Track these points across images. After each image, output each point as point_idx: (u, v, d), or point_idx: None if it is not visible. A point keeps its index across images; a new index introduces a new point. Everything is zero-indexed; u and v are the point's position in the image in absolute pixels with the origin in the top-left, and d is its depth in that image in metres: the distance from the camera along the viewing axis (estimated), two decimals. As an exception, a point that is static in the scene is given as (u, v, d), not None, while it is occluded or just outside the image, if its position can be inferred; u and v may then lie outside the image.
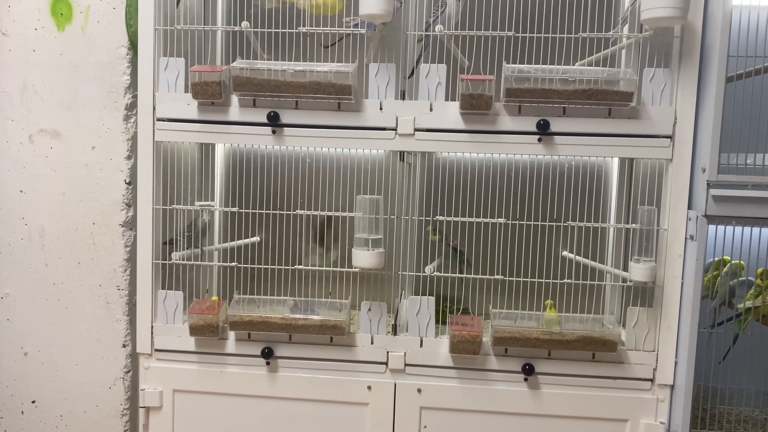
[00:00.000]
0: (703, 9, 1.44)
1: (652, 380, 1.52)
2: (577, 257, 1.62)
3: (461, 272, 1.61)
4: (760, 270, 1.56)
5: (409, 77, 1.58)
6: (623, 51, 1.68)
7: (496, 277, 1.56)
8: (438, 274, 1.58)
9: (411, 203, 1.64)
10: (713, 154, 1.41)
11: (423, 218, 1.62)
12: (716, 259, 1.69)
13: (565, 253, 1.68)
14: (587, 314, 1.57)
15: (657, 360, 1.51)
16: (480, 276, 1.57)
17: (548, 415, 1.53)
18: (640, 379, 1.52)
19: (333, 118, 1.51)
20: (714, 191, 1.42)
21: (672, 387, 1.51)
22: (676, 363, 1.51)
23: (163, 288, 1.61)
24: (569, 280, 1.56)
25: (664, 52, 1.48)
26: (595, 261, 1.63)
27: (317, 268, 1.61)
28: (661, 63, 1.47)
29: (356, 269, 1.53)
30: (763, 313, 1.53)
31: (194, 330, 1.57)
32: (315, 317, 1.54)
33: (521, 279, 1.58)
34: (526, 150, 1.49)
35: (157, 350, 1.62)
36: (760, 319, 1.55)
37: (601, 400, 1.52)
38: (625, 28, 1.62)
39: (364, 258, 1.50)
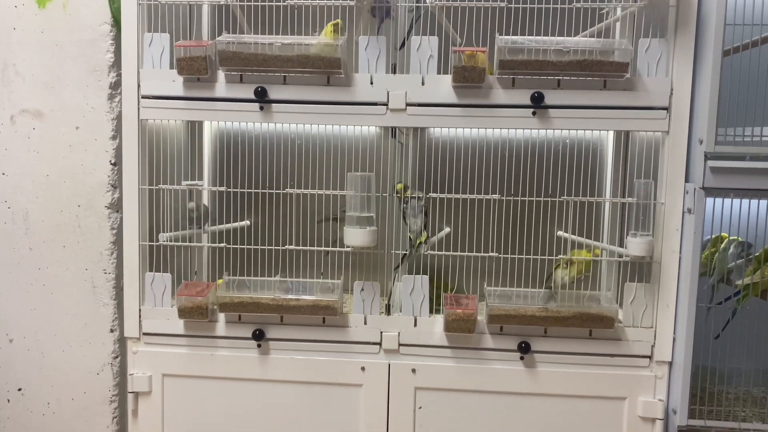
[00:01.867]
0: (700, -23, 1.41)
1: (650, 357, 1.49)
2: (572, 236, 1.60)
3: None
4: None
5: (399, 49, 1.55)
6: (617, 24, 1.65)
7: (490, 254, 1.53)
8: (433, 252, 1.55)
9: (404, 180, 1.61)
10: (710, 126, 1.38)
11: (416, 196, 1.59)
12: (714, 236, 1.66)
13: (560, 233, 1.66)
14: (584, 291, 1.55)
15: (655, 337, 1.49)
16: (474, 254, 1.54)
17: (545, 393, 1.51)
18: (637, 356, 1.49)
19: (322, 93, 1.48)
20: (712, 163, 1.40)
21: (670, 364, 1.49)
22: (674, 340, 1.48)
23: (150, 270, 1.58)
24: (563, 257, 1.53)
25: (660, 22, 1.45)
26: (591, 237, 1.60)
27: (309, 248, 1.58)
28: (656, 33, 1.44)
29: (348, 248, 1.49)
30: (763, 288, 1.50)
31: (183, 312, 1.53)
32: (307, 297, 1.51)
33: (516, 256, 1.55)
34: (520, 124, 1.46)
35: (145, 334, 1.58)
36: (759, 294, 1.52)
37: (599, 377, 1.50)
38: None
39: (356, 236, 1.46)
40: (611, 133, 1.72)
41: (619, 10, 1.53)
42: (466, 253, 1.54)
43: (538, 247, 1.61)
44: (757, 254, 1.51)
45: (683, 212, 1.45)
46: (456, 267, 1.59)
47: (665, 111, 1.43)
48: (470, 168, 1.60)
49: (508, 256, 1.54)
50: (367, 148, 1.59)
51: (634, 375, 1.49)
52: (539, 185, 1.65)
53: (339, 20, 1.48)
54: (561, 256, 1.54)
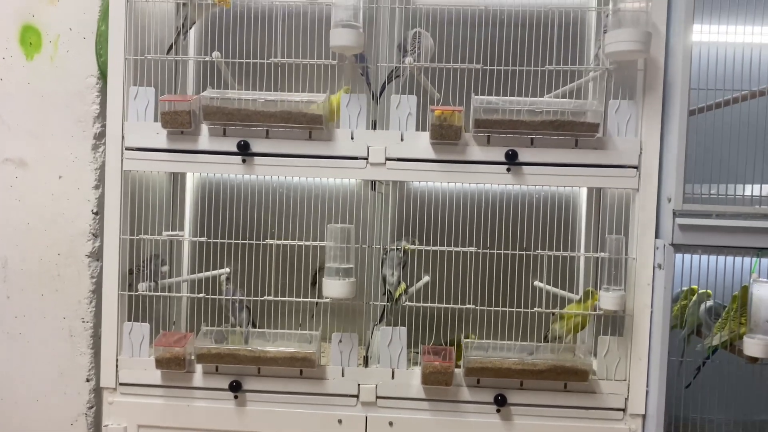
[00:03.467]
0: (665, 44, 1.48)
1: (624, 410, 1.51)
2: (548, 287, 1.63)
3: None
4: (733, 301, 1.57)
5: (376, 101, 1.59)
6: (590, 83, 1.72)
7: (467, 306, 1.55)
8: (410, 303, 1.57)
9: (383, 232, 1.64)
10: (678, 184, 1.44)
11: (395, 248, 1.62)
12: (685, 288, 1.71)
13: (536, 282, 1.69)
14: (559, 343, 1.57)
15: (628, 389, 1.51)
16: (452, 305, 1.56)
17: (521, 447, 1.52)
18: (612, 409, 1.51)
19: (304, 147, 1.51)
20: (680, 220, 1.44)
21: (644, 417, 1.51)
22: (647, 392, 1.50)
23: (129, 320, 1.58)
24: (540, 309, 1.56)
25: (629, 85, 1.51)
26: (566, 289, 1.64)
27: (288, 298, 1.59)
28: (626, 95, 1.50)
29: (327, 299, 1.51)
30: (731, 342, 1.54)
31: (160, 363, 1.53)
32: (285, 349, 1.52)
33: (493, 308, 1.58)
34: (495, 180, 1.50)
35: (121, 384, 1.57)
36: (728, 348, 1.56)
37: (574, 430, 1.51)
38: (592, 61, 1.66)
39: (334, 288, 1.48)
40: (584, 189, 1.77)
41: (591, 72, 1.60)
42: (443, 305, 1.56)
43: (515, 298, 1.64)
44: (726, 310, 1.55)
45: (654, 267, 1.49)
46: (434, 318, 1.61)
47: (635, 169, 1.48)
48: (448, 220, 1.64)
49: (485, 308, 1.57)
50: (347, 199, 1.62)
51: (608, 428, 1.51)
52: (516, 238, 1.68)
53: (349, 87, 1.53)
54: (557, 310, 1.57)
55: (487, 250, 1.56)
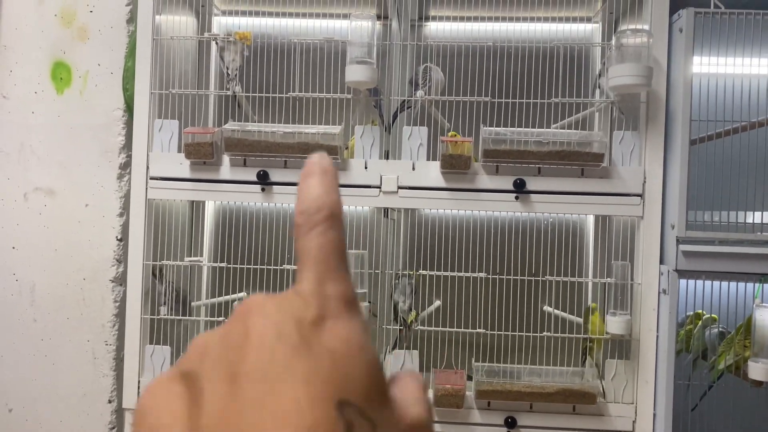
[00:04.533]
0: (666, 76, 1.54)
1: (632, 433, 1.55)
2: (557, 311, 1.67)
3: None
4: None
5: (388, 132, 1.66)
6: (596, 114, 1.78)
7: (478, 330, 1.60)
8: (422, 328, 1.62)
9: (395, 258, 1.69)
10: (681, 212, 1.49)
11: (407, 273, 1.67)
12: (690, 313, 1.74)
13: (546, 307, 1.73)
14: (568, 367, 1.61)
15: (636, 412, 1.54)
16: (463, 329, 1.61)
17: (532, 469, 1.55)
18: (620, 432, 1.55)
19: (320, 177, 1.58)
20: (683, 247, 1.49)
21: (652, 439, 1.54)
22: (654, 415, 1.54)
23: (150, 343, 1.63)
24: (549, 333, 1.60)
25: (632, 116, 1.57)
26: (574, 314, 1.68)
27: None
28: (629, 126, 1.56)
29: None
30: (736, 366, 1.57)
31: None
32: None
33: (503, 333, 1.62)
34: (503, 207, 1.56)
35: (142, 406, 1.62)
36: (733, 372, 1.59)
37: (583, 453, 1.54)
38: (597, 93, 1.72)
39: (349, 312, 1.53)
40: (591, 216, 1.82)
41: (595, 104, 1.66)
42: (455, 329, 1.61)
43: (524, 323, 1.68)
44: (730, 336, 1.59)
45: (659, 293, 1.54)
46: (446, 342, 1.66)
47: (639, 197, 1.54)
48: (458, 246, 1.70)
49: (495, 332, 1.61)
50: (361, 226, 1.69)
51: (617, 451, 1.54)
52: (525, 264, 1.74)
53: (375, 120, 1.61)
54: (566, 334, 1.61)
55: (497, 276, 1.61)
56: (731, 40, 1.65)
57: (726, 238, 1.50)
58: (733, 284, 1.54)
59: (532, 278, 1.63)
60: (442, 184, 1.57)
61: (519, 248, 1.73)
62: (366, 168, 1.58)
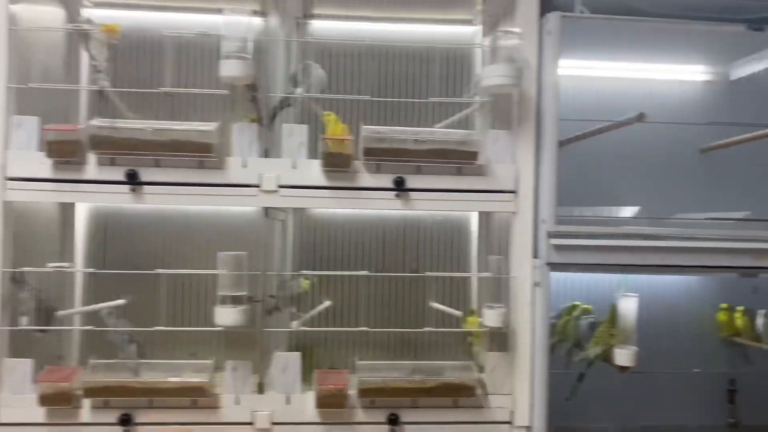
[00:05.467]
0: (537, 78, 1.60)
1: (510, 423, 1.59)
2: (440, 306, 1.70)
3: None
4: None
5: (269, 130, 1.63)
6: (476, 114, 1.83)
7: (360, 329, 1.59)
8: (304, 329, 1.59)
9: (282, 259, 1.66)
10: (551, 207, 1.55)
11: (288, 273, 1.65)
12: (569, 305, 1.83)
13: (432, 304, 1.75)
14: (450, 362, 1.63)
15: (514, 403, 1.59)
16: (345, 329, 1.60)
17: (415, 464, 1.56)
18: (499, 423, 1.58)
19: (195, 175, 1.52)
20: (553, 241, 1.55)
21: (530, 429, 1.59)
22: (532, 405, 1.59)
23: (10, 356, 1.51)
24: (430, 329, 1.62)
25: (506, 115, 1.62)
26: (461, 309, 1.71)
27: (179, 329, 1.58)
28: (503, 126, 1.61)
29: (220, 328, 1.51)
30: (606, 354, 1.65)
31: (45, 399, 1.47)
32: (176, 380, 1.50)
33: (386, 330, 1.62)
34: (384, 205, 1.56)
35: (2, 424, 1.49)
36: (604, 359, 1.67)
37: (465, 445, 1.57)
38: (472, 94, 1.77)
39: (227, 316, 1.49)
40: (475, 213, 1.87)
41: (471, 104, 1.70)
42: (337, 329, 1.60)
43: (408, 320, 1.70)
44: (600, 324, 1.67)
45: (533, 286, 1.59)
46: (331, 342, 1.64)
47: (513, 194, 1.59)
48: (346, 246, 1.69)
49: (378, 330, 1.61)
50: (245, 227, 1.64)
51: (497, 441, 1.58)
52: (412, 261, 1.75)
53: (255, 116, 1.55)
54: (448, 329, 1.63)
55: (378, 274, 1.62)
56: (596, 44, 1.74)
57: (593, 232, 1.57)
58: (606, 276, 1.62)
59: (412, 275, 1.64)
60: (324, 182, 1.55)
61: (405, 246, 1.74)
62: (244, 166, 1.54)
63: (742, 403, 1.95)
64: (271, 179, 1.54)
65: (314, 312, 1.64)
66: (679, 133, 1.84)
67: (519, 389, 1.59)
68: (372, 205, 1.56)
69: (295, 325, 1.57)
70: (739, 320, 1.87)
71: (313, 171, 1.55)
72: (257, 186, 1.54)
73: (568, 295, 1.85)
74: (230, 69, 1.47)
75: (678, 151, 1.89)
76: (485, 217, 1.82)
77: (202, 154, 1.50)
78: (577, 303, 1.82)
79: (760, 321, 1.80)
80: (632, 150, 1.82)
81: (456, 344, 1.75)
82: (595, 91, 1.71)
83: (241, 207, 1.59)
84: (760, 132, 1.70)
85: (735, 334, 1.91)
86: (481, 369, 1.62)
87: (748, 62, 1.90)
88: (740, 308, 1.87)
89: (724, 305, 1.91)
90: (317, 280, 1.67)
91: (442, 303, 1.70)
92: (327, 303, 1.69)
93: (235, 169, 1.53)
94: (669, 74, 1.95)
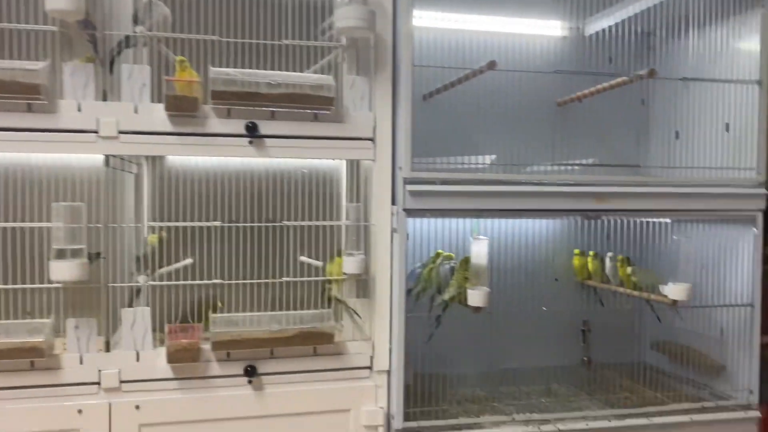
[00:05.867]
0: (393, 25, 1.58)
1: (370, 368, 1.60)
2: (307, 259, 1.67)
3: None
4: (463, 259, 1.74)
5: (110, 71, 1.51)
6: (340, 63, 1.79)
7: (215, 281, 1.54)
8: (153, 283, 1.52)
9: (138, 213, 1.57)
10: (407, 154, 1.55)
11: (134, 225, 1.56)
12: (434, 253, 1.86)
13: (301, 257, 1.72)
14: (309, 310, 1.62)
15: (373, 348, 1.60)
16: (198, 282, 1.54)
17: (274, 414, 1.54)
18: (359, 368, 1.60)
19: (23, 120, 1.39)
20: (410, 187, 1.56)
21: (389, 372, 1.61)
22: (390, 350, 1.61)
23: None
24: (288, 279, 1.59)
25: (364, 62, 1.60)
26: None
27: (10, 286, 1.45)
28: (360, 72, 1.59)
29: (58, 284, 1.41)
30: (458, 300, 1.69)
31: None
32: (8, 341, 1.38)
33: (244, 281, 1.58)
34: (237, 152, 1.50)
35: None
36: (461, 301, 1.71)
37: (325, 393, 1.57)
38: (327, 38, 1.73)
39: (63, 270, 1.39)
40: (344, 162, 1.84)
41: (330, 48, 1.66)
42: (190, 282, 1.54)
43: (276, 272, 1.65)
44: (456, 267, 1.71)
45: (392, 232, 1.60)
46: (187, 296, 1.58)
47: (371, 141, 1.58)
48: (205, 196, 1.62)
49: (240, 281, 1.57)
50: (84, 176, 1.53)
51: (357, 386, 1.59)
52: (279, 212, 1.70)
53: (92, 56, 1.42)
54: (307, 278, 1.61)
55: (233, 224, 1.56)
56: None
57: (447, 179, 1.60)
58: (465, 222, 1.65)
59: (271, 225, 1.61)
60: (169, 128, 1.47)
61: (275, 198, 1.69)
62: (79, 110, 1.42)
63: (594, 343, 2.09)
64: (109, 124, 1.43)
65: (171, 268, 1.58)
66: (538, 88, 1.90)
67: (378, 335, 1.60)
68: (224, 152, 1.50)
69: (141, 280, 1.50)
70: (591, 264, 1.98)
71: (157, 116, 1.46)
72: (95, 132, 1.43)
73: (435, 246, 1.87)
74: (56, 1, 1.34)
75: (536, 105, 1.95)
76: (351, 167, 1.80)
77: (30, 95, 1.37)
78: (441, 251, 1.85)
79: (608, 264, 1.92)
80: (493, 103, 1.85)
81: (320, 295, 1.73)
82: (456, 43, 1.72)
83: (79, 155, 1.47)
84: (611, 82, 1.78)
85: (588, 278, 2.03)
86: (339, 316, 1.62)
87: (600, 18, 1.98)
88: (591, 253, 1.98)
89: (577, 251, 2.02)
90: (165, 236, 1.59)
91: (314, 256, 1.67)
92: (188, 260, 1.62)
93: (68, 113, 1.41)
94: (528, 29, 2.00)
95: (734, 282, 1.82)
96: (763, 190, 1.75)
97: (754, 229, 1.76)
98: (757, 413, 1.77)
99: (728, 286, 1.83)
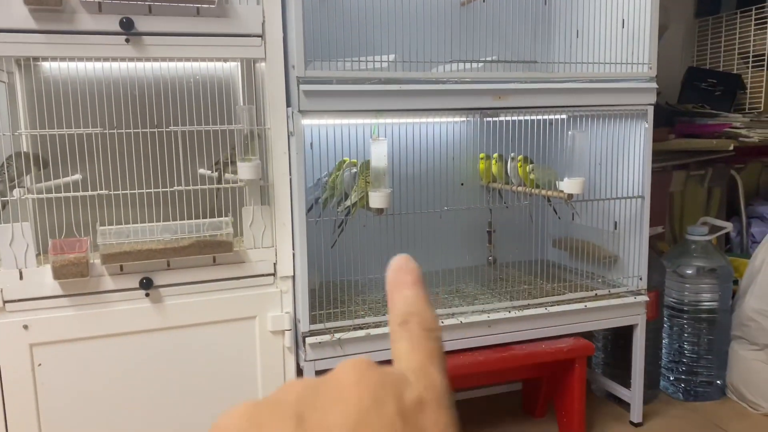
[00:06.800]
0: None
1: (274, 275, 1.59)
2: (205, 171, 1.60)
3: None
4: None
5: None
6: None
7: (100, 192, 1.45)
8: (31, 196, 1.41)
9: (14, 125, 1.43)
10: (299, 51, 1.48)
11: (12, 133, 1.43)
12: (341, 160, 1.82)
13: (201, 170, 1.64)
14: (205, 219, 1.56)
15: (276, 255, 1.58)
16: (82, 193, 1.45)
17: (175, 326, 1.51)
18: (262, 275, 1.58)
19: None
20: (304, 87, 1.50)
21: (293, 278, 1.60)
22: (294, 255, 1.59)
23: None
24: (180, 187, 1.52)
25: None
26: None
27: None
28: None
29: None
30: (362, 205, 1.68)
31: None
32: None
33: (135, 191, 1.50)
34: (113, 52, 1.39)
35: None
36: (365, 206, 1.71)
37: (228, 302, 1.55)
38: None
39: None
40: (239, 65, 1.74)
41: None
42: (74, 193, 1.44)
43: (156, 178, 1.58)
44: (358, 173, 1.69)
45: (288, 135, 1.55)
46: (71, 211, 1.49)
47: (260, 38, 1.49)
48: (90, 105, 1.49)
49: (129, 191, 1.48)
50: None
51: (261, 293, 1.58)
52: (176, 118, 1.60)
53: None
54: (194, 186, 1.53)
55: (115, 131, 1.46)
56: None
57: (344, 77, 1.54)
58: (368, 128, 1.62)
59: (156, 131, 1.51)
60: (33, 25, 1.33)
61: (156, 103, 1.58)
62: None
63: (499, 243, 2.15)
64: (-40, 20, 1.28)
65: (57, 182, 1.47)
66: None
67: (280, 241, 1.58)
68: (97, 52, 1.38)
69: (17, 194, 1.39)
70: (494, 167, 2.01)
71: (15, 10, 1.31)
72: (-57, 29, 1.27)
73: (340, 155, 1.84)
74: None
75: (439, 4, 1.90)
76: (245, 70, 1.71)
77: None
78: (346, 158, 1.82)
79: (509, 165, 1.95)
80: (396, 3, 1.78)
81: (210, 202, 1.68)
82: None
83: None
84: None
85: (493, 181, 2.06)
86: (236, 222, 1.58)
87: None
88: (495, 155, 2.00)
89: (482, 155, 2.04)
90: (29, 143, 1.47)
91: (209, 164, 1.60)
92: (77, 176, 1.52)
93: None
94: None
95: (626, 175, 1.89)
96: (654, 85, 1.81)
97: (645, 123, 1.82)
98: (645, 297, 1.90)
99: (621, 180, 1.91)
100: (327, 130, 1.68)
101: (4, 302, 1.39)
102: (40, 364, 1.42)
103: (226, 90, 1.72)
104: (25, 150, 1.49)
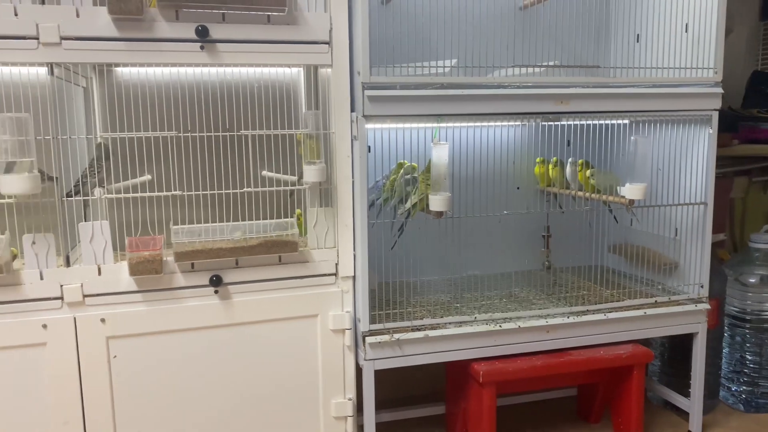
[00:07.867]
0: None
1: (335, 274, 1.62)
2: (272, 174, 1.66)
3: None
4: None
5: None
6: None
7: (174, 193, 1.52)
8: (109, 196, 1.49)
9: (91, 128, 1.51)
10: (365, 57, 1.51)
11: (86, 136, 1.51)
12: (399, 162, 1.85)
13: (264, 172, 1.69)
14: (272, 219, 1.61)
15: (338, 255, 1.62)
16: (157, 193, 1.52)
17: (242, 323, 1.56)
18: (325, 275, 1.62)
19: (-47, 25, 1.30)
20: (369, 92, 1.53)
21: (354, 278, 1.64)
22: (354, 256, 1.63)
23: None
24: (251, 189, 1.58)
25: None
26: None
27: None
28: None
29: (10, 199, 1.37)
30: (421, 208, 1.70)
31: None
32: (-38, 257, 1.36)
33: (207, 192, 1.56)
34: (188, 59, 1.45)
35: None
36: (424, 209, 1.73)
37: (291, 300, 1.59)
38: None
39: (16, 184, 1.34)
40: (302, 70, 1.78)
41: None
42: (148, 194, 1.51)
43: (230, 181, 1.64)
44: (419, 176, 1.71)
45: (352, 140, 1.58)
46: (146, 209, 1.56)
47: (327, 45, 1.53)
48: (157, 108, 1.56)
49: (200, 192, 1.54)
50: (28, 87, 1.46)
51: (323, 293, 1.61)
52: (241, 122, 1.66)
53: None
54: (268, 188, 1.59)
55: (189, 134, 1.52)
56: None
57: (407, 83, 1.57)
58: (427, 132, 1.64)
59: (228, 134, 1.57)
60: (115, 33, 1.40)
61: (220, 105, 1.64)
62: (16, 15, 1.34)
63: (555, 248, 2.14)
64: (50, 29, 1.35)
65: (128, 183, 1.54)
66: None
67: (342, 242, 1.61)
68: (174, 58, 1.44)
69: (97, 193, 1.46)
70: (552, 171, 2.01)
71: (101, 19, 1.38)
72: (35, 38, 1.35)
73: (398, 158, 1.87)
74: None
75: (499, 9, 1.91)
76: (309, 75, 1.75)
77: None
78: (404, 162, 1.85)
79: (568, 169, 1.94)
80: (457, 7, 1.80)
81: (279, 203, 1.73)
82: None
83: (19, 62, 1.40)
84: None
85: (550, 185, 2.05)
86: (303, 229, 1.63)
87: None
88: (553, 159, 2.00)
89: (539, 159, 2.04)
90: (109, 145, 1.55)
91: (275, 166, 1.65)
92: (146, 177, 1.59)
93: (4, 18, 1.33)
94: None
95: (688, 181, 1.86)
96: (719, 90, 1.77)
97: (710, 129, 1.79)
98: (706, 305, 1.86)
99: (683, 186, 1.88)
100: (383, 134, 1.71)
101: (84, 296, 1.46)
102: (115, 356, 1.49)
103: (287, 94, 1.77)
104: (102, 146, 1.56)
